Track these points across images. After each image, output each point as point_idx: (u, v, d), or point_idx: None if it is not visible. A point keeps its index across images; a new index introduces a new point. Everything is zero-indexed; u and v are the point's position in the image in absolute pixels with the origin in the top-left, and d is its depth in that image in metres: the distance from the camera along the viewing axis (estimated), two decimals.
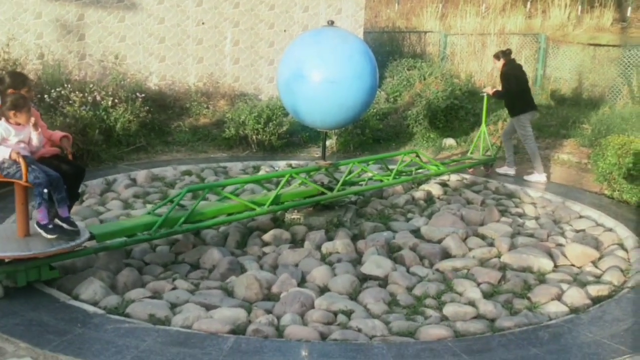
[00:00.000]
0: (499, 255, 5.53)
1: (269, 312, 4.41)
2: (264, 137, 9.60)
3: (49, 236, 4.47)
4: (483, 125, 8.89)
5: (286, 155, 9.65)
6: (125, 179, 7.75)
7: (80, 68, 10.26)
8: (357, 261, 5.39)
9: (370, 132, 10.18)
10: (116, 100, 9.15)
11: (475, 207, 7.03)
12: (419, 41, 15.80)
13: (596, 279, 5.12)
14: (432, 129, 10.55)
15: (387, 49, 15.01)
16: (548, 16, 21.43)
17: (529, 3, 23.95)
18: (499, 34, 14.68)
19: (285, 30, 11.95)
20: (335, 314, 4.38)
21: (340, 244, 5.60)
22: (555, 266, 5.35)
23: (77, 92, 8.76)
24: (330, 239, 5.84)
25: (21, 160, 4.29)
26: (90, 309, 4.24)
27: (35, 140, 4.53)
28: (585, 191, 7.83)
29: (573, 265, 5.45)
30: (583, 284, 4.95)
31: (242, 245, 5.78)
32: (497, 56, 8.48)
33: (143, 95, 9.61)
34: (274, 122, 9.66)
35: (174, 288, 4.76)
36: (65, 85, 8.96)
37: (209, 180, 8.01)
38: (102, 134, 8.61)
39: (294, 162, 9.12)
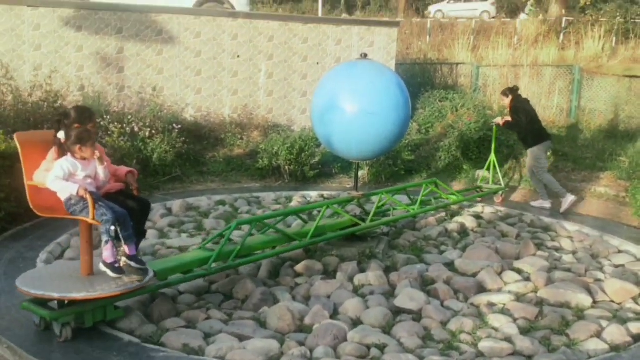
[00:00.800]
0: (535, 290, 5.42)
1: (301, 344, 4.40)
2: (296, 167, 9.68)
3: (116, 275, 4.31)
4: (492, 154, 8.95)
5: (318, 185, 9.70)
6: (161, 209, 7.88)
7: (119, 100, 10.55)
8: (390, 294, 5.35)
9: (402, 163, 10.17)
10: (153, 131, 9.36)
11: (510, 241, 6.94)
12: (451, 73, 15.84)
13: (637, 315, 4.97)
14: (465, 160, 10.49)
15: (419, 80, 15.07)
16: (582, 48, 21.31)
17: (562, 35, 23.89)
18: (532, 66, 14.61)
19: (318, 63, 12.11)
20: (369, 347, 4.34)
21: (372, 276, 5.57)
22: (594, 302, 5.21)
23: (115, 123, 9.00)
24: (362, 270, 5.82)
25: (88, 197, 4.14)
26: (126, 337, 4.29)
27: (102, 175, 4.43)
28: (624, 225, 7.67)
29: (612, 301, 5.30)
30: (623, 321, 4.82)
31: (274, 276, 5.80)
32: (505, 93, 8.66)
33: (179, 126, 9.81)
34: (307, 152, 9.74)
35: (208, 318, 4.79)
36: (105, 117, 9.21)
37: (243, 210, 8.09)
38: (139, 164, 8.79)
39: (325, 193, 9.15)
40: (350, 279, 5.63)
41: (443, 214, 7.98)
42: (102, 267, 4.33)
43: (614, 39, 22.43)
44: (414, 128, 11.78)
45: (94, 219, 4.18)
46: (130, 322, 4.53)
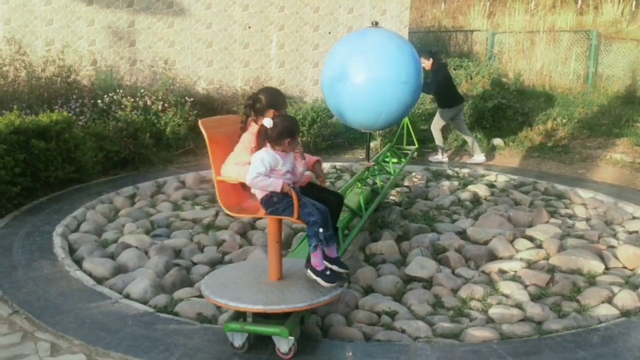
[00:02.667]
0: (547, 257, 5.42)
1: (313, 312, 4.45)
2: (309, 139, 9.67)
3: (328, 284, 3.71)
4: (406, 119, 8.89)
5: (330, 157, 9.69)
6: (174, 182, 7.94)
7: (132, 73, 10.57)
8: (401, 262, 5.38)
9: (416, 132, 10.10)
10: (166, 105, 9.38)
11: (523, 208, 6.91)
12: (466, 40, 15.61)
13: None
14: (479, 129, 10.41)
15: (433, 48, 14.87)
16: (600, 12, 20.84)
17: None
18: (549, 32, 14.35)
19: (330, 33, 12.00)
20: (379, 314, 4.40)
21: (384, 245, 5.60)
22: (607, 268, 5.20)
23: (128, 97, 9.04)
24: (374, 240, 5.85)
25: (293, 194, 3.57)
26: (141, 307, 4.37)
27: (300, 170, 3.81)
28: (639, 192, 7.59)
29: (625, 267, 5.28)
30: (635, 287, 4.81)
31: (286, 246, 5.84)
32: (426, 56, 9.01)
33: (192, 99, 9.82)
34: (319, 124, 9.72)
35: None
36: (117, 91, 9.24)
37: None
38: (152, 137, 8.84)
39: (338, 164, 9.15)
40: (362, 248, 5.67)
41: (456, 183, 7.97)
42: (312, 276, 3.75)
43: (634, 2, 21.90)
44: (427, 97, 11.68)
45: (298, 218, 3.61)
46: (145, 292, 4.61)
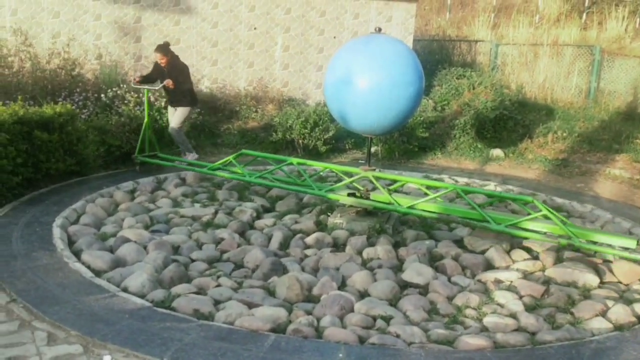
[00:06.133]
0: (543, 269, 5.46)
1: (309, 313, 4.49)
2: (310, 141, 9.71)
3: None
4: (147, 120, 8.17)
5: (331, 160, 9.73)
6: (175, 179, 7.97)
7: (136, 69, 10.61)
8: (398, 268, 5.41)
9: (416, 140, 10.17)
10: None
11: None
12: (470, 50, 15.67)
13: None
14: (480, 139, 10.46)
15: (437, 57, 14.94)
16: (604, 28, 20.96)
17: (584, 14, 23.48)
18: (552, 45, 14.41)
19: (335, 37, 12.05)
20: (375, 318, 4.43)
21: (381, 250, 5.63)
22: (602, 282, 5.24)
23: (132, 93, 9.07)
24: (371, 244, 5.88)
25: None
26: (138, 301, 4.40)
27: None
28: (637, 208, 7.63)
29: (620, 282, 5.33)
30: (629, 302, 4.85)
31: (285, 247, 5.88)
32: (164, 51, 8.16)
33: None
34: (321, 127, 9.76)
35: (218, 285, 4.89)
36: (121, 86, 9.28)
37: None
38: (154, 134, 8.85)
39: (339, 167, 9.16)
40: (359, 253, 5.70)
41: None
42: None
43: (638, 19, 22.02)
44: (429, 105, 11.74)
45: None
46: (143, 286, 4.64)
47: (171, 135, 8.61)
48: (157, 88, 8.34)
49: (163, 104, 9.27)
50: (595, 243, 5.55)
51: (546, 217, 5.70)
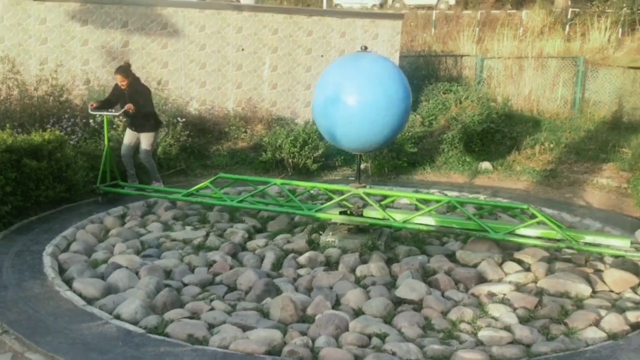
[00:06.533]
0: (535, 281, 5.48)
1: (303, 333, 4.47)
2: (300, 160, 9.74)
3: None
4: (107, 147, 7.72)
5: (321, 178, 9.76)
6: (165, 202, 7.93)
7: None
8: (391, 285, 5.41)
9: (405, 155, 10.22)
10: None
11: None
12: (455, 65, 15.83)
13: (635, 305, 5.01)
14: (468, 152, 10.53)
15: (423, 72, 15.07)
16: (587, 39, 21.27)
17: (567, 26, 23.81)
18: (537, 58, 14.60)
19: (322, 56, 12.15)
20: (370, 337, 4.42)
21: (374, 267, 5.63)
22: (594, 292, 5.26)
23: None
24: (364, 262, 5.88)
25: None
26: (131, 328, 4.38)
27: None
28: (626, 216, 7.70)
29: (612, 291, 5.35)
30: (622, 310, 4.87)
31: (277, 268, 5.87)
32: (125, 73, 7.76)
33: (184, 119, 9.89)
34: (310, 145, 9.80)
35: (212, 309, 4.86)
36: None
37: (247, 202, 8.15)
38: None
39: (328, 185, 9.18)
40: (352, 270, 5.69)
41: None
42: None
43: (620, 30, 22.35)
44: (417, 120, 11.82)
45: None
46: (136, 313, 4.61)
47: (142, 162, 8.23)
48: (117, 114, 7.82)
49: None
50: (591, 245, 5.69)
51: (542, 223, 5.81)
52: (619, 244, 5.77)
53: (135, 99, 7.70)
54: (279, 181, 7.10)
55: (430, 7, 28.74)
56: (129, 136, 8.15)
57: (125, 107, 7.59)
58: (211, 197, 7.36)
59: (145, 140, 8.07)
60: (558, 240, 5.78)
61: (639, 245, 5.82)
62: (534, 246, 5.98)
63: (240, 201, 7.04)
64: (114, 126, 8.95)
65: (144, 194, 7.81)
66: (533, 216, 6.12)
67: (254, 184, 7.60)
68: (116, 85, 7.97)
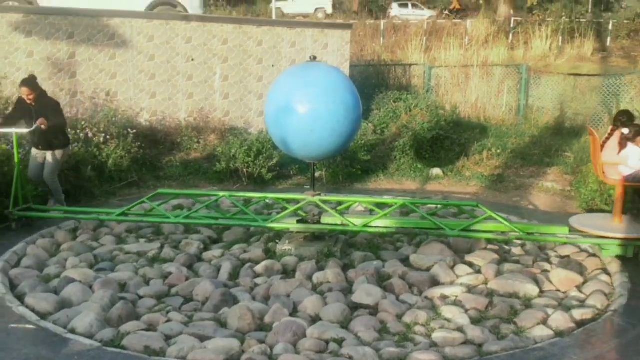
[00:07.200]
0: (486, 282, 5.66)
1: (261, 342, 4.51)
2: (255, 170, 9.75)
3: None
4: (17, 167, 6.99)
5: (276, 187, 9.79)
6: None
7: (72, 105, 10.43)
8: (347, 290, 5.50)
9: (359, 163, 10.36)
10: (108, 137, 9.29)
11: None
12: (404, 74, 16.13)
13: (580, 303, 5.26)
14: (419, 159, 10.75)
15: (374, 81, 15.29)
16: (530, 47, 22.04)
17: (511, 35, 24.60)
18: (482, 66, 15.04)
19: (273, 65, 12.20)
20: (327, 342, 4.49)
21: (331, 274, 5.71)
22: (541, 291, 5.48)
23: (69, 129, 8.89)
24: (321, 269, 5.94)
25: None
26: (87, 342, 4.33)
27: None
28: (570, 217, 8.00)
29: (558, 290, 5.58)
30: (568, 309, 5.09)
31: (234, 278, 5.87)
32: (32, 86, 7.21)
33: (134, 131, 9.77)
34: (264, 155, 9.83)
35: (168, 320, 4.85)
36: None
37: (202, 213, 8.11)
38: (94, 170, 8.72)
39: (281, 195, 9.24)
40: (309, 278, 5.75)
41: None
42: None
43: (561, 38, 23.25)
44: (369, 129, 11.98)
45: None
46: (91, 326, 4.56)
47: (46, 183, 7.47)
48: (29, 131, 7.11)
49: (102, 139, 9.14)
50: (533, 234, 6.33)
51: (492, 219, 6.28)
52: (559, 232, 6.32)
53: (44, 114, 7.08)
54: (226, 193, 7.05)
55: (305, 16, 31.02)
56: (36, 157, 7.46)
57: (38, 123, 6.96)
58: (153, 215, 7.07)
59: (53, 158, 7.39)
60: (508, 233, 6.26)
61: (575, 230, 6.36)
62: (487, 240, 6.51)
63: (186, 217, 6.86)
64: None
65: (71, 216, 7.22)
66: (482, 213, 6.46)
67: (195, 198, 7.50)
68: (20, 99, 7.35)
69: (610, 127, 6.80)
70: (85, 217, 7.15)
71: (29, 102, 7.20)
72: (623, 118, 6.59)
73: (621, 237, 6.06)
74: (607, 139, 6.71)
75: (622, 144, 6.40)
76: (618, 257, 6.09)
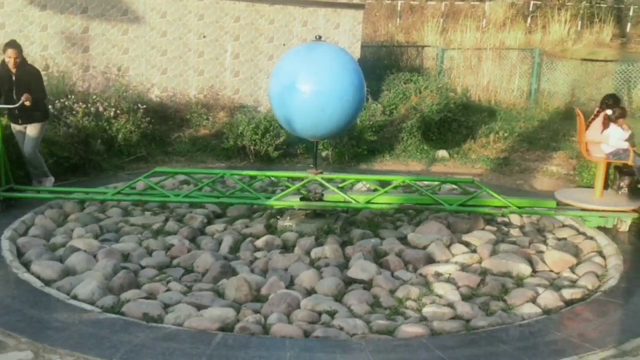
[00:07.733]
0: (480, 261, 5.75)
1: (256, 312, 4.65)
2: (262, 147, 9.87)
3: None
4: (1, 146, 6.67)
5: (283, 165, 9.91)
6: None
7: (84, 79, 10.58)
8: (344, 266, 5.62)
9: (365, 143, 10.43)
10: (118, 111, 9.44)
11: (462, 216, 7.24)
12: (417, 55, 16.10)
13: (572, 283, 5.34)
14: (426, 141, 10.80)
15: (385, 62, 15.30)
16: (548, 31, 21.78)
17: (529, 18, 24.32)
18: (495, 49, 14.96)
19: (284, 44, 12.25)
20: (320, 314, 4.62)
21: (329, 250, 5.83)
22: (534, 271, 5.57)
23: (80, 103, 9.06)
24: (320, 245, 6.06)
25: (631, 149, 6.65)
26: (88, 307, 4.49)
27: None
28: None
29: (551, 270, 5.67)
30: (558, 288, 5.18)
31: (235, 251, 6.02)
32: (20, 48, 6.93)
33: (144, 106, 9.91)
34: (271, 133, 9.94)
35: (168, 290, 5.00)
36: (69, 96, 9.26)
37: (206, 189, 8.24)
38: (104, 144, 8.90)
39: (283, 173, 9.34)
40: (308, 253, 5.88)
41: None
42: None
43: (580, 23, 22.94)
44: (378, 109, 12.03)
45: (632, 163, 6.64)
46: (92, 293, 4.72)
47: (27, 159, 7.24)
48: (14, 107, 6.77)
49: (113, 113, 9.29)
50: (524, 208, 6.77)
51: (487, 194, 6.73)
52: (547, 205, 6.86)
53: (26, 82, 6.83)
54: (228, 172, 7.18)
55: None
56: (19, 132, 7.22)
57: (23, 99, 6.68)
58: (151, 194, 7.09)
59: (33, 131, 7.12)
60: (502, 207, 6.67)
61: (560, 203, 6.90)
62: (483, 214, 6.85)
63: (186, 196, 6.87)
64: (74, 112, 8.93)
65: (62, 196, 7.00)
66: (478, 189, 6.86)
67: (191, 176, 7.73)
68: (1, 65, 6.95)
69: (597, 109, 7.07)
70: (75, 197, 7.04)
71: (11, 67, 6.85)
72: (609, 101, 6.93)
73: (602, 210, 6.61)
74: (593, 119, 7.03)
75: (605, 124, 6.82)
76: (599, 227, 6.65)
